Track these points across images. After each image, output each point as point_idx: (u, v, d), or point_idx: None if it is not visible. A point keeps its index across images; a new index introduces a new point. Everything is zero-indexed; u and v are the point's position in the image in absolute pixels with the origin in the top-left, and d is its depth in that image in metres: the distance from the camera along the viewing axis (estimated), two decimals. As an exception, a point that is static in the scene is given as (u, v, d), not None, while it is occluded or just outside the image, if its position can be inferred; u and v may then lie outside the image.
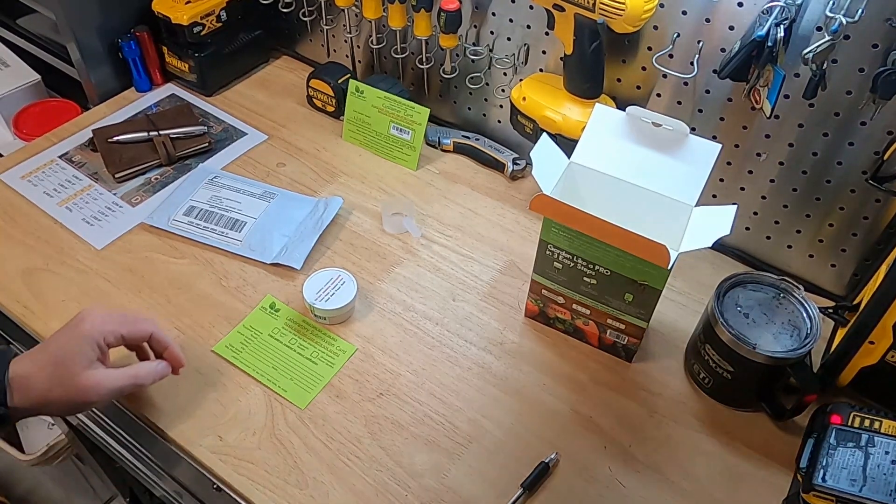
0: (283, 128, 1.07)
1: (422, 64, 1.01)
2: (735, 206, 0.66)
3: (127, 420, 0.77)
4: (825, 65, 0.69)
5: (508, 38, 0.95)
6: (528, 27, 0.92)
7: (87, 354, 0.65)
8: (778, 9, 0.69)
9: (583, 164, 0.73)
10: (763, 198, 0.85)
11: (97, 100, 1.09)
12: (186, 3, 1.04)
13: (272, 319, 0.80)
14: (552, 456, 0.69)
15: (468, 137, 1.03)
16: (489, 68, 0.99)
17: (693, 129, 0.76)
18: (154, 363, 0.69)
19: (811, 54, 0.68)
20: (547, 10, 0.82)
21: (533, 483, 0.67)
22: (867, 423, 0.63)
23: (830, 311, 0.75)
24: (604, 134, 0.73)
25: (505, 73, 0.98)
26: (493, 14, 0.94)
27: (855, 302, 0.74)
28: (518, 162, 0.99)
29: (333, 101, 1.06)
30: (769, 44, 0.70)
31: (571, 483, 0.68)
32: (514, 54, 0.95)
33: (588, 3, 0.76)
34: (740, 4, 0.74)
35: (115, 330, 0.67)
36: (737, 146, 0.83)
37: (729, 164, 0.85)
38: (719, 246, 0.85)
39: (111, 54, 1.07)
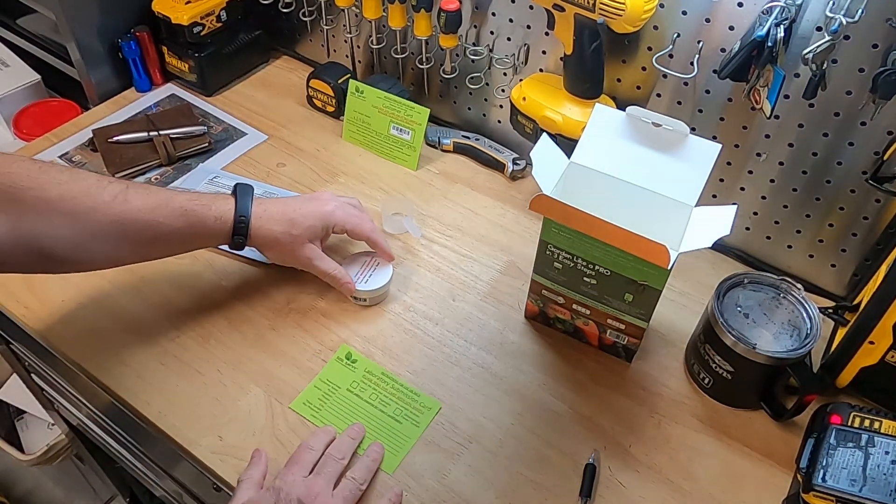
0: (283, 128, 1.07)
1: (422, 64, 1.01)
2: (735, 206, 0.66)
3: (127, 420, 0.77)
4: (825, 65, 0.69)
5: (508, 38, 0.95)
6: (528, 27, 0.92)
7: (315, 230, 0.77)
8: (778, 9, 0.69)
9: (583, 164, 0.73)
10: (763, 198, 0.85)
11: (97, 100, 1.09)
12: (186, 3, 1.04)
13: (349, 371, 0.76)
14: (592, 455, 0.69)
15: (468, 137, 1.03)
16: (489, 68, 0.99)
17: (693, 129, 0.76)
18: (349, 278, 0.79)
19: (811, 54, 0.68)
20: (547, 10, 0.82)
21: (589, 489, 0.67)
22: (867, 423, 0.63)
23: (830, 311, 0.75)
24: (604, 134, 0.73)
25: (505, 73, 0.98)
26: (493, 14, 0.94)
27: (855, 302, 0.74)
28: (518, 162, 0.99)
29: (333, 101, 1.06)
30: (769, 44, 0.70)
31: (571, 483, 0.68)
32: (514, 54, 0.95)
33: (588, 3, 0.76)
34: (740, 4, 0.74)
35: (345, 224, 0.79)
36: (737, 146, 0.83)
37: (729, 164, 0.85)
38: (719, 246, 0.85)
39: (111, 54, 1.07)
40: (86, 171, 0.69)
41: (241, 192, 0.75)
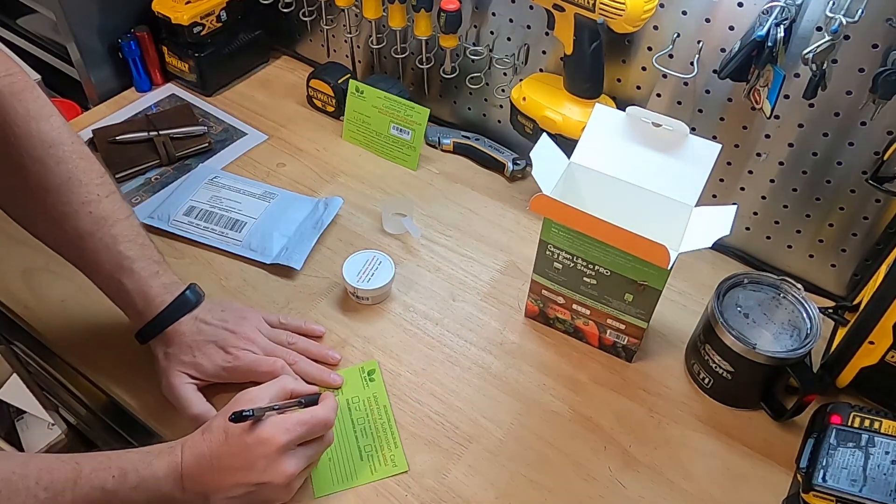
0: (283, 128, 1.07)
1: (422, 64, 1.01)
2: (735, 206, 0.66)
3: (127, 420, 0.77)
4: (825, 65, 0.69)
5: (508, 38, 0.95)
6: (528, 27, 0.92)
7: (205, 369, 0.70)
8: (778, 9, 0.69)
9: (583, 164, 0.73)
10: (763, 198, 0.85)
11: (97, 100, 1.09)
12: (186, 3, 1.04)
13: (363, 388, 0.74)
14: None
15: (468, 137, 1.03)
16: (489, 68, 0.99)
17: (693, 129, 0.76)
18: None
19: (811, 54, 0.68)
20: (547, 10, 0.82)
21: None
22: (867, 423, 0.63)
23: (830, 311, 0.75)
24: (604, 134, 0.73)
25: (505, 73, 0.98)
26: (493, 14, 0.94)
27: (855, 302, 0.74)
28: (518, 162, 0.99)
29: (333, 101, 1.06)
30: (769, 44, 0.70)
31: (571, 483, 0.68)
32: (514, 54, 0.95)
33: (588, 3, 0.76)
34: (740, 4, 0.74)
35: (248, 370, 0.70)
36: (737, 146, 0.83)
37: (729, 164, 0.85)
38: (719, 246, 0.85)
39: (111, 54, 1.07)
40: (115, 196, 0.68)
41: (180, 302, 0.69)
